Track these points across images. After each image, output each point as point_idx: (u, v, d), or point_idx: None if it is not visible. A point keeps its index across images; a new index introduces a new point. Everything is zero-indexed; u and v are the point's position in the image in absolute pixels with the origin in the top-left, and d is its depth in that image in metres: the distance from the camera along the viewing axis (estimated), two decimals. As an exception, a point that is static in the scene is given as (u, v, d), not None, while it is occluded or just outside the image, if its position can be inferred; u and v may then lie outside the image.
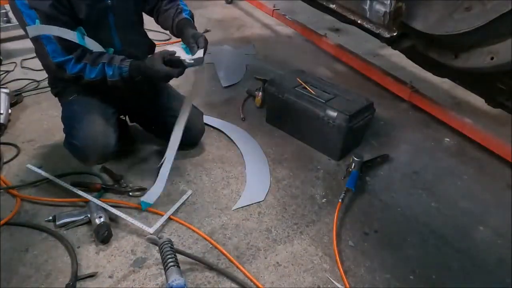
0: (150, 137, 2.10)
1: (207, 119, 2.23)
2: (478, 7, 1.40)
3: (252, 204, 1.80)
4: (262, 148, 2.16)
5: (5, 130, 2.09)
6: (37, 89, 2.48)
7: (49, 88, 2.43)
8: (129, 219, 1.61)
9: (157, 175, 1.76)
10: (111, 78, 1.60)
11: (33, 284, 1.39)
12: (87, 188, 1.74)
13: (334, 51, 3.17)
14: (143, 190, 1.80)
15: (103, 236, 1.52)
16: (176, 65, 1.57)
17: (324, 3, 2.15)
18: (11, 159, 1.91)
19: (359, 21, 1.91)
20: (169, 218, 1.68)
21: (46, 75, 1.79)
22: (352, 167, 1.94)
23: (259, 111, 2.48)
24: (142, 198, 1.72)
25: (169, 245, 1.35)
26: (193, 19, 1.81)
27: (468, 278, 1.57)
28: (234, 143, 2.19)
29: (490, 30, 1.38)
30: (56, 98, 1.90)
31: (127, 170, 1.92)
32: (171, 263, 1.30)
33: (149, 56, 1.65)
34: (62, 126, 1.78)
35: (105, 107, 1.77)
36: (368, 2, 1.76)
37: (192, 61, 1.58)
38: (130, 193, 1.79)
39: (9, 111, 2.17)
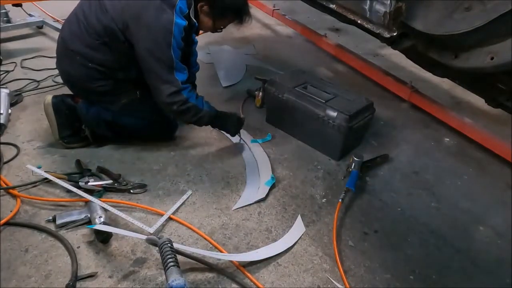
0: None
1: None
2: (478, 7, 1.40)
3: (252, 204, 1.81)
4: (263, 148, 2.15)
5: (5, 130, 2.09)
6: (37, 89, 2.48)
7: (48, 88, 2.47)
8: (129, 219, 1.61)
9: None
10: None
11: (33, 284, 1.39)
12: (109, 175, 1.82)
13: (334, 51, 3.17)
14: (143, 186, 1.81)
15: (103, 236, 1.52)
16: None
17: (324, 3, 2.15)
18: (11, 159, 1.91)
19: (359, 21, 1.91)
20: (169, 218, 1.68)
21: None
22: (352, 167, 1.94)
23: (259, 111, 2.48)
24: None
25: (169, 245, 1.35)
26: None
27: (468, 278, 1.57)
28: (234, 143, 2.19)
29: (490, 30, 1.37)
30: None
31: (123, 169, 1.91)
32: (171, 263, 1.29)
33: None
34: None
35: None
36: (368, 2, 1.76)
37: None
38: (132, 191, 1.79)
39: (9, 111, 2.17)
